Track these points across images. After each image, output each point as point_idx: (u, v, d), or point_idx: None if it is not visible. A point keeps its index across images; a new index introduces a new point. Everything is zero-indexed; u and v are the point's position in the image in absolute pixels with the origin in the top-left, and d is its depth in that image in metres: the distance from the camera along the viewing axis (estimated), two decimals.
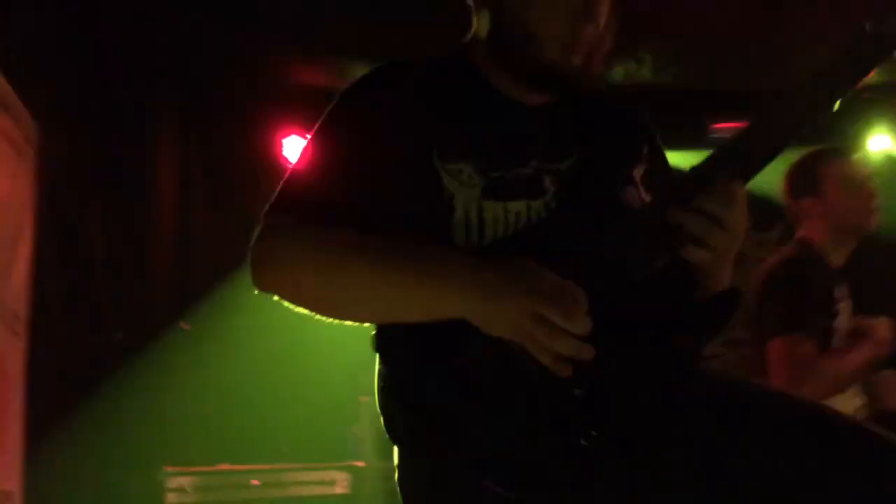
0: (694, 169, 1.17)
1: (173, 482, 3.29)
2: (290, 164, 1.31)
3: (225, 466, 3.50)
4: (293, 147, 4.34)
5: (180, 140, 4.27)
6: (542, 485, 1.07)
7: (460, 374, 1.11)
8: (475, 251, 1.18)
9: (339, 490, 3.50)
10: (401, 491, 1.24)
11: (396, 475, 1.26)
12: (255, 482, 3.38)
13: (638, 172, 1.34)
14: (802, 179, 2.57)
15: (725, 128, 4.37)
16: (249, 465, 3.54)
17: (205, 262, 4.24)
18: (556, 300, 1.04)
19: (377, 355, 1.21)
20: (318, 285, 1.18)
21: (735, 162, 1.16)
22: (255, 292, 1.26)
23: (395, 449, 1.24)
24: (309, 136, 1.29)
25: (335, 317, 1.22)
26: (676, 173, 1.38)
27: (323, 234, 1.18)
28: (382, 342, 1.20)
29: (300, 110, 4.23)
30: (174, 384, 3.84)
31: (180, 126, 4.27)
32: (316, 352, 4.18)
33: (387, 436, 1.17)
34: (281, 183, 1.27)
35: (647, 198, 1.32)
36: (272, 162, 4.32)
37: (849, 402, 2.38)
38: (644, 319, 1.15)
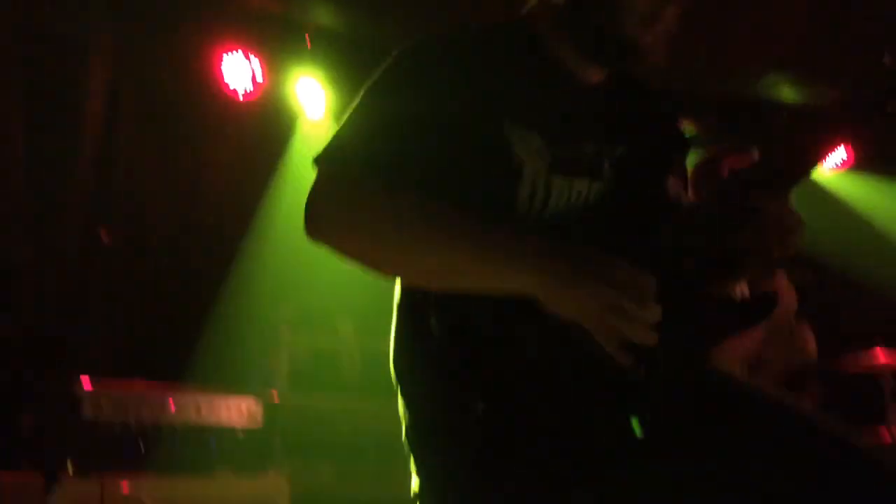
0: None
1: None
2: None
3: (141, 382, 3.47)
4: (233, 65, 4.27)
5: (113, 55, 4.14)
6: (596, 471, 1.11)
7: (517, 354, 1.15)
8: (537, 225, 1.21)
9: (249, 419, 3.51)
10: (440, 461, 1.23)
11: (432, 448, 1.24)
12: (171, 402, 3.36)
13: (678, 167, 1.38)
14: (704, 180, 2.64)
15: None
16: (165, 382, 3.52)
17: (132, 180, 4.16)
18: (631, 289, 1.05)
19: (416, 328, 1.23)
20: (397, 256, 1.18)
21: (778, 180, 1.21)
22: None
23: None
24: (376, 88, 1.26)
25: (398, 276, 1.26)
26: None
27: (408, 206, 1.16)
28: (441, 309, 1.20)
29: (241, 28, 4.13)
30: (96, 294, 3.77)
31: (113, 39, 4.13)
32: (241, 276, 4.18)
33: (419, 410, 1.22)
34: (349, 130, 1.23)
35: (687, 192, 1.36)
36: (210, 80, 4.23)
37: None
38: (689, 314, 1.17)
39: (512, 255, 1.11)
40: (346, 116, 1.24)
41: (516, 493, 1.14)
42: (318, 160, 1.21)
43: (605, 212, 1.27)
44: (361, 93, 1.26)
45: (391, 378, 1.33)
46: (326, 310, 4.27)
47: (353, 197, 1.17)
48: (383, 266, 1.21)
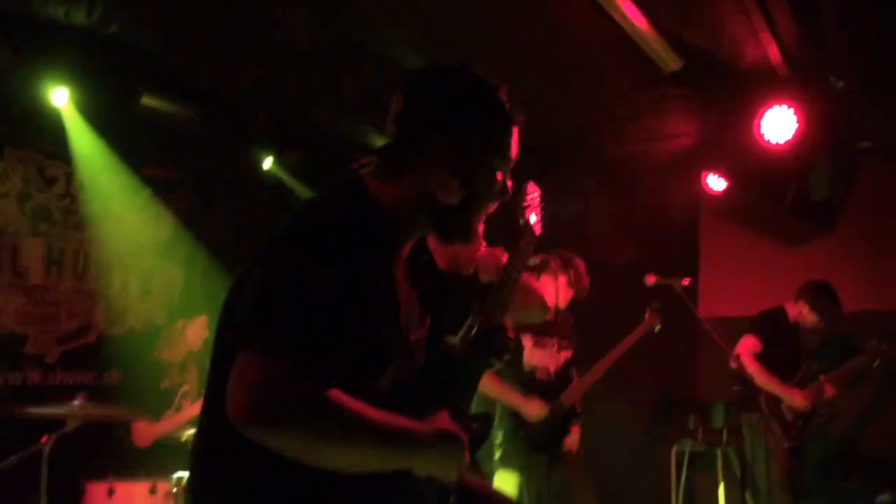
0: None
1: None
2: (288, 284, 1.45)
3: None
4: None
5: None
6: None
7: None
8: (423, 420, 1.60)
9: None
10: None
11: None
12: None
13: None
14: None
15: None
16: None
17: None
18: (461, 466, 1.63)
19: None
20: (332, 457, 1.44)
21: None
22: None
23: None
24: (299, 270, 1.45)
25: (322, 465, 1.46)
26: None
27: (347, 417, 1.41)
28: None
29: None
30: None
31: None
32: None
33: None
34: (283, 313, 1.41)
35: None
36: None
37: None
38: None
39: (409, 450, 1.53)
40: (272, 290, 1.43)
41: None
42: (259, 339, 1.38)
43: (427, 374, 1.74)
44: (283, 271, 1.45)
45: None
46: None
47: (302, 401, 1.36)
48: (316, 460, 1.43)
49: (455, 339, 1.80)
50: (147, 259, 5.34)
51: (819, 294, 4.75)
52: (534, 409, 3.84)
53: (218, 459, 1.55)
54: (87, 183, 4.97)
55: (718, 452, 5.62)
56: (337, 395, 1.40)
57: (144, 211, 5.29)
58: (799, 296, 4.80)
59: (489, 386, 3.85)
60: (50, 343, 4.80)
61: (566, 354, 4.07)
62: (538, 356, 3.98)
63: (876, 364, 4.62)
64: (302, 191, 5.71)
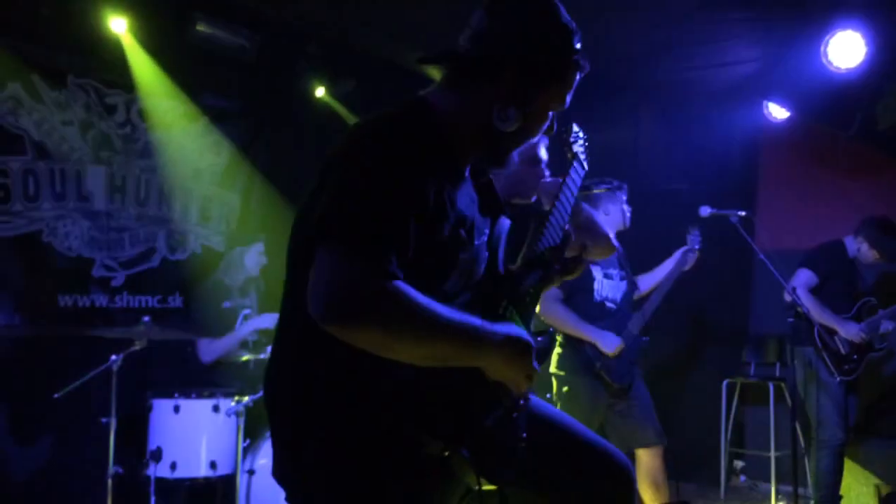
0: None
1: None
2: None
3: None
4: None
5: None
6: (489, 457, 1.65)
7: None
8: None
9: None
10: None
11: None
12: None
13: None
14: None
15: None
16: None
17: None
18: (530, 377, 1.67)
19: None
20: (411, 350, 1.51)
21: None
22: None
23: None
24: (358, 166, 1.53)
25: (400, 359, 1.53)
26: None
27: (419, 313, 1.48)
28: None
29: None
30: None
31: None
32: None
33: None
34: (357, 214, 1.47)
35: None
36: None
37: None
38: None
39: (478, 345, 1.58)
40: (343, 191, 1.50)
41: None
42: (335, 238, 1.45)
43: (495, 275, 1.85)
44: (352, 170, 1.53)
45: None
46: None
47: (380, 297, 1.44)
48: (394, 354, 1.51)
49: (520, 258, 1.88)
50: (206, 186, 5.47)
51: (879, 230, 4.63)
52: (612, 343, 3.86)
53: (300, 354, 1.64)
54: (147, 111, 5.08)
55: (771, 385, 5.61)
56: (409, 290, 1.47)
57: (203, 138, 5.39)
58: (858, 231, 4.68)
59: (562, 321, 3.89)
60: (115, 267, 5.00)
61: (628, 284, 4.07)
62: (607, 287, 3.99)
63: None
64: (354, 119, 5.73)
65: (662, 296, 4.13)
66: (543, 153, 2.79)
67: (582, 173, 2.19)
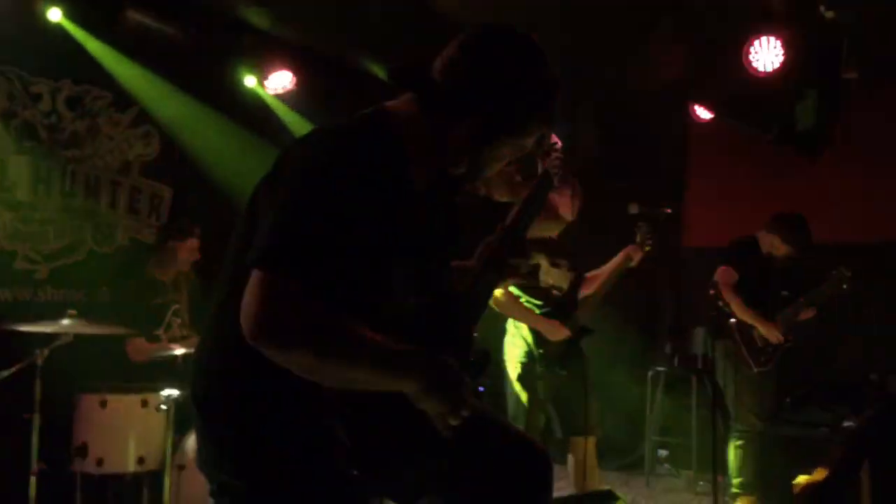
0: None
1: None
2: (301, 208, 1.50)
3: None
4: None
5: None
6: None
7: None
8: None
9: None
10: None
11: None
12: None
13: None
14: None
15: None
16: None
17: None
18: (460, 402, 1.61)
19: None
20: (333, 374, 1.53)
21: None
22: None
23: None
24: (305, 187, 1.52)
25: (325, 382, 1.57)
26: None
27: (343, 335, 1.50)
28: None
29: None
30: None
31: None
32: None
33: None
34: (287, 230, 1.48)
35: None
36: None
37: None
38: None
39: (401, 372, 1.58)
40: (286, 211, 1.49)
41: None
42: (272, 261, 1.45)
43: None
44: (299, 191, 1.51)
45: None
46: None
47: (309, 324, 1.45)
48: (320, 378, 1.54)
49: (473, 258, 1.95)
50: (135, 177, 5.36)
51: (789, 225, 4.82)
52: (558, 330, 3.94)
53: (226, 369, 1.67)
54: (74, 100, 4.96)
55: (693, 376, 5.80)
56: (340, 317, 1.49)
57: (132, 129, 5.28)
58: (770, 227, 4.87)
59: (511, 309, 3.96)
60: (38, 260, 4.87)
61: (574, 274, 4.14)
62: (553, 276, 4.05)
63: (844, 287, 4.72)
64: (285, 112, 5.71)
65: (603, 290, 4.23)
66: None
67: (548, 190, 2.17)
